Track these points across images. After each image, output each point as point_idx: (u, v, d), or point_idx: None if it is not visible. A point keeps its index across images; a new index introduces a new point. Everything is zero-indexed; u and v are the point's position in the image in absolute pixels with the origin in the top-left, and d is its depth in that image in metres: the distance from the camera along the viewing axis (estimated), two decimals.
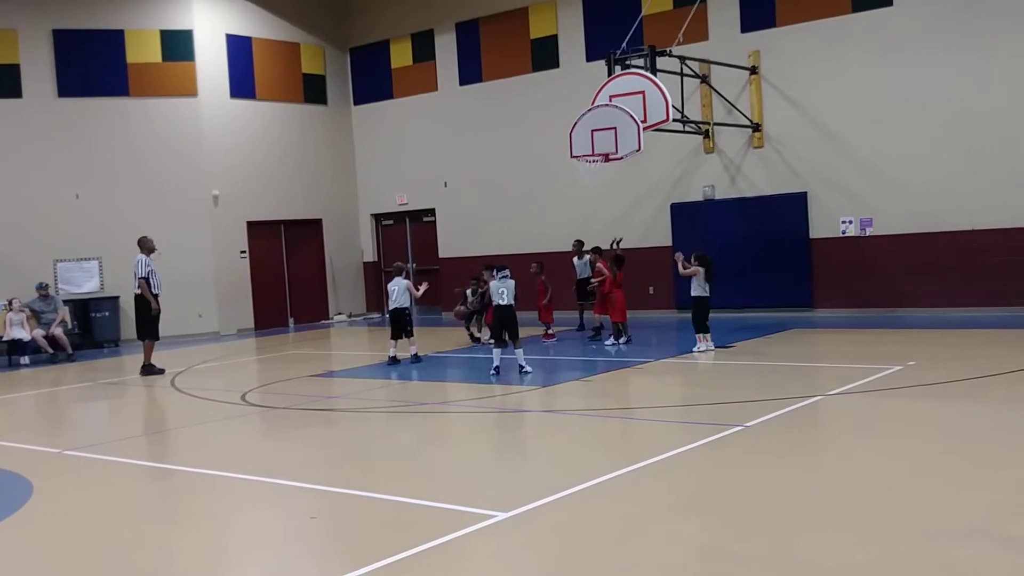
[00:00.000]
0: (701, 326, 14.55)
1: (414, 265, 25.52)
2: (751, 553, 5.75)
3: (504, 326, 13.47)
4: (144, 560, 6.36)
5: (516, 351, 13.39)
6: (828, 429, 9.51)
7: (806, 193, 19.01)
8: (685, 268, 14.64)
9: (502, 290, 13.37)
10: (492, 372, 13.21)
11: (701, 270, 14.51)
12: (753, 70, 19.42)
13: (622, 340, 15.89)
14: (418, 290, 15.88)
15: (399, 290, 15.64)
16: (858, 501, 6.68)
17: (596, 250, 17.28)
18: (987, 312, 17.03)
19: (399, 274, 16.05)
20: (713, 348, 14.48)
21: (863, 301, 18.48)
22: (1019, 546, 5.57)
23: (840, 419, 9.77)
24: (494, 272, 14.22)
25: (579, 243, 18.46)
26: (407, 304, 15.70)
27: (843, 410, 10.09)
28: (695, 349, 14.46)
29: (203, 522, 7.24)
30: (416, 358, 15.38)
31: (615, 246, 16.77)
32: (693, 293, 14.61)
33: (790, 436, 9.00)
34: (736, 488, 7.27)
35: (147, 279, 15.85)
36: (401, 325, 15.59)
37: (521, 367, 13.26)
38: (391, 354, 15.40)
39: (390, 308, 15.93)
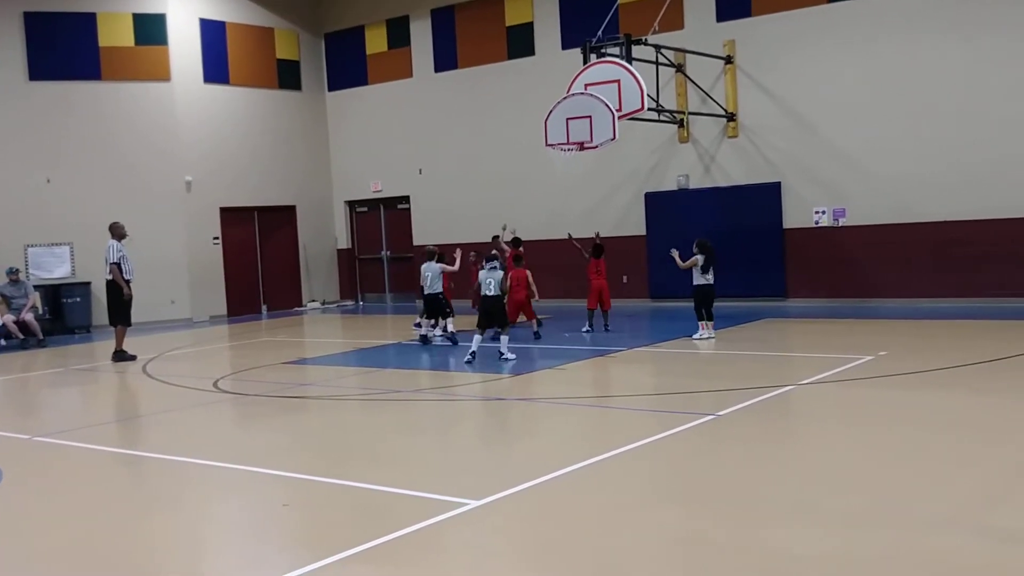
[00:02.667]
0: (701, 313, 14.66)
1: (388, 252, 25.46)
2: (724, 541, 5.78)
3: (490, 315, 13.55)
4: (115, 547, 6.32)
5: (501, 338, 13.44)
6: (800, 418, 9.58)
7: (780, 183, 19.10)
8: (683, 262, 14.73)
9: (489, 280, 13.53)
10: (467, 359, 13.23)
11: (700, 258, 14.62)
12: (728, 59, 19.46)
13: (584, 328, 15.99)
14: (454, 263, 15.58)
15: (432, 275, 15.43)
16: (831, 490, 6.73)
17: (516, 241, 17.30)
18: (959, 303, 17.19)
19: (431, 258, 15.66)
20: (713, 336, 14.53)
21: (836, 291, 18.60)
22: (992, 536, 5.62)
23: (812, 408, 9.84)
24: (483, 262, 14.37)
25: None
26: (440, 288, 15.50)
27: (815, 399, 10.16)
28: (695, 336, 14.54)
29: (175, 509, 7.19)
30: (452, 338, 15.42)
31: (596, 236, 17.01)
32: (695, 282, 14.71)
33: (762, 425, 9.05)
34: (708, 477, 7.31)
35: (119, 265, 15.72)
36: (438, 309, 15.57)
37: (501, 353, 13.27)
38: (423, 332, 15.77)
39: (424, 293, 15.67)
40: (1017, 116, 16.74)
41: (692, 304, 14.73)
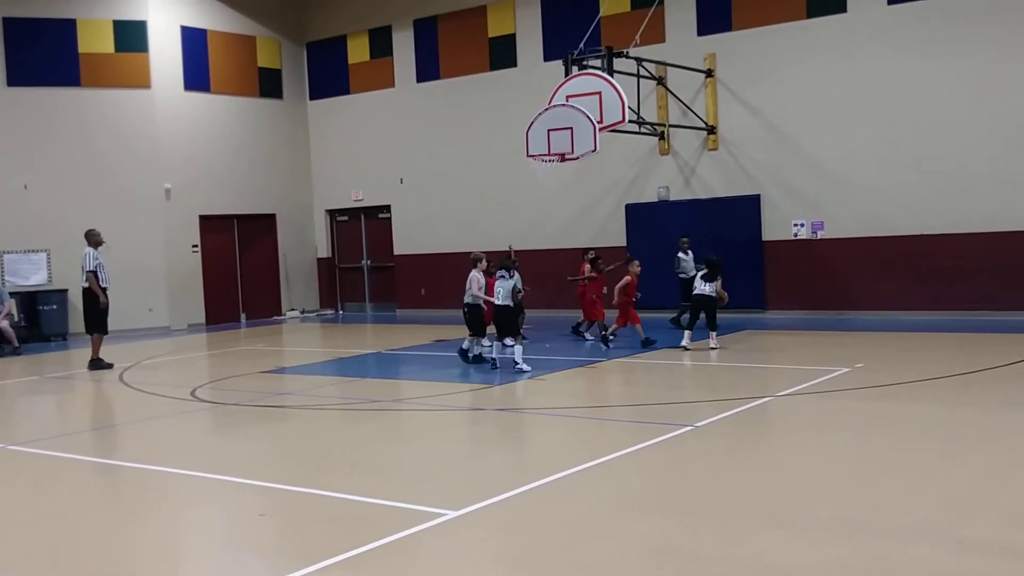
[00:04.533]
0: (694, 323, 14.97)
1: (369, 261, 25.42)
2: (703, 552, 5.80)
3: (503, 325, 13.66)
4: (90, 557, 6.28)
5: (516, 348, 13.41)
6: (777, 429, 9.62)
7: (759, 196, 19.21)
8: (723, 295, 14.94)
9: (499, 290, 13.59)
10: (491, 367, 13.54)
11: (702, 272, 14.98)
12: (709, 73, 19.58)
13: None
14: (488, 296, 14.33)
15: (474, 286, 14.26)
16: (807, 501, 6.76)
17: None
18: (936, 315, 17.32)
19: (474, 266, 14.44)
20: (710, 346, 14.65)
21: (814, 303, 18.71)
22: (965, 546, 5.67)
23: (789, 420, 9.88)
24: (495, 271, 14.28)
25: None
26: (477, 301, 14.28)
27: (792, 411, 10.20)
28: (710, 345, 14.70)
29: (150, 519, 7.15)
30: (476, 357, 14.28)
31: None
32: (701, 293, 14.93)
33: (739, 436, 9.09)
34: (686, 488, 7.33)
35: (95, 272, 15.63)
36: (472, 323, 14.35)
37: (515, 363, 13.23)
38: (464, 347, 14.52)
39: (465, 302, 14.43)
40: (991, 131, 16.91)
41: (676, 314, 14.87)
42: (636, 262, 15.63)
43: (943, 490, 6.87)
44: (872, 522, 6.17)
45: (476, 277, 14.16)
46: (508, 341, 13.87)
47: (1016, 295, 16.82)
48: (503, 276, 13.66)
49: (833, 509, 6.51)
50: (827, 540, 5.86)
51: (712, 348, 14.47)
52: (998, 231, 16.94)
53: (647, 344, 14.97)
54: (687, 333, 14.84)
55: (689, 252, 17.60)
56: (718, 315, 14.93)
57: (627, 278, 15.31)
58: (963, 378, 11.32)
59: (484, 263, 14.30)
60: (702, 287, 14.88)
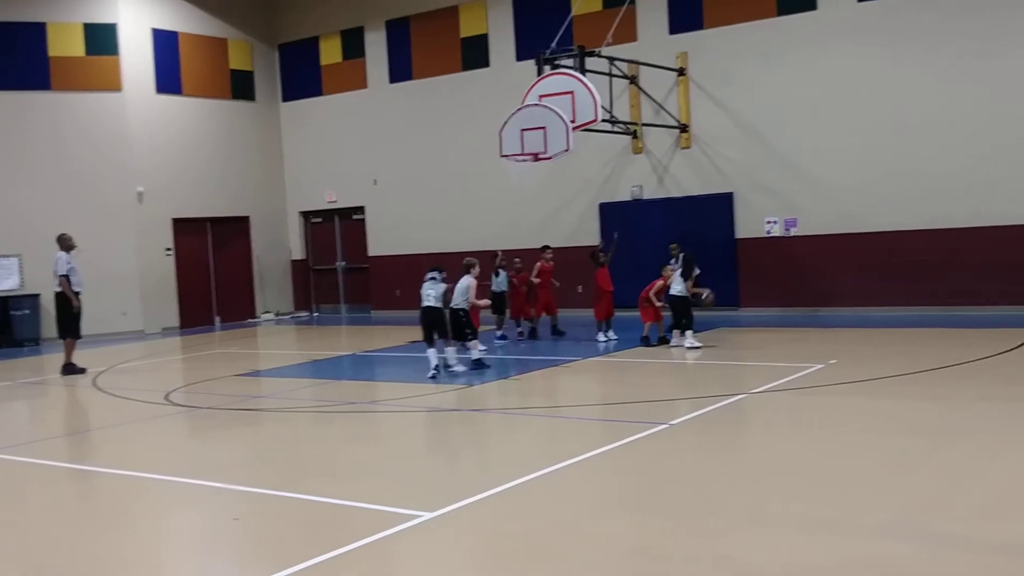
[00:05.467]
0: (680, 322, 14.83)
1: (343, 263, 25.34)
2: (677, 551, 5.83)
3: (431, 327, 13.31)
4: (63, 564, 6.23)
5: (446, 350, 13.33)
6: (751, 427, 9.67)
7: (732, 194, 19.30)
8: (703, 295, 14.96)
9: (429, 292, 13.27)
10: (430, 375, 12.97)
11: (676, 273, 14.94)
12: (681, 71, 19.65)
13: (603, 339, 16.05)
14: (480, 300, 14.15)
15: (459, 290, 13.66)
16: (781, 498, 6.80)
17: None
18: (908, 311, 17.46)
19: (467, 271, 13.95)
20: (685, 345, 14.58)
21: (788, 300, 18.82)
22: (935, 541, 5.72)
23: (763, 417, 9.94)
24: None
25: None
26: (464, 305, 13.61)
27: (766, 408, 10.26)
28: (674, 344, 14.75)
29: (123, 524, 7.11)
30: (477, 363, 13.51)
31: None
32: (672, 292, 14.91)
33: (714, 434, 9.13)
34: (660, 486, 7.36)
35: (67, 277, 15.51)
36: (455, 328, 13.61)
37: (448, 366, 13.19)
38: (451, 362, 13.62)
39: (452, 307, 13.70)
40: (963, 128, 17.06)
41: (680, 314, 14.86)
42: (669, 266, 15.56)
43: (916, 485, 6.93)
44: (846, 519, 6.22)
45: (470, 283, 13.79)
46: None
47: (987, 291, 16.98)
48: (433, 279, 13.36)
49: (807, 506, 6.55)
50: (801, 538, 5.91)
51: (689, 348, 14.44)
52: (970, 227, 17.10)
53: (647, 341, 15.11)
54: (675, 332, 14.83)
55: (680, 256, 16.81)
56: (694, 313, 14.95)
57: (660, 282, 15.26)
58: (935, 373, 11.42)
59: (477, 269, 14.05)
60: (674, 287, 14.88)
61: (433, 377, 12.87)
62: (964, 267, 17.16)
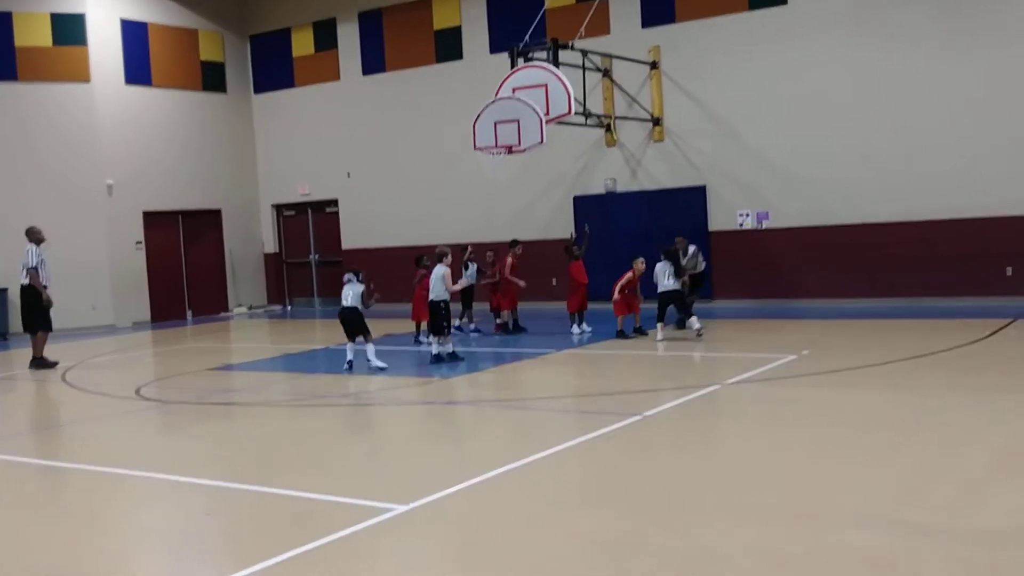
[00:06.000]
0: (663, 315, 14.72)
1: (316, 256, 25.23)
2: (651, 541, 5.83)
3: (348, 326, 13.52)
4: (32, 561, 6.16)
5: (367, 346, 13.42)
6: (724, 418, 9.72)
7: (705, 187, 19.36)
8: (685, 282, 14.90)
9: (348, 293, 13.55)
10: (344, 368, 13.33)
11: (663, 267, 14.73)
12: (653, 65, 19.67)
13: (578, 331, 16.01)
14: (455, 283, 14.08)
15: (434, 281, 13.62)
16: (755, 488, 6.83)
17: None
18: (879, 303, 17.59)
19: (439, 261, 13.75)
20: (699, 327, 14.46)
21: (761, 292, 18.91)
22: (904, 529, 5.76)
23: (736, 408, 9.99)
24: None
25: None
26: (444, 296, 13.60)
27: (739, 399, 10.31)
28: (659, 338, 14.51)
29: (94, 521, 7.04)
30: (451, 356, 13.53)
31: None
32: (660, 289, 14.72)
33: (687, 425, 9.17)
34: (634, 477, 7.37)
35: (36, 269, 15.33)
36: (434, 320, 13.66)
37: (368, 360, 13.30)
38: (434, 351, 13.68)
39: (430, 299, 13.69)
40: (933, 121, 17.20)
41: (665, 305, 14.74)
42: (641, 259, 15.42)
43: (887, 475, 6.98)
44: (817, 509, 6.25)
45: (445, 271, 13.63)
46: (361, 342, 13.56)
47: (956, 282, 17.15)
48: (350, 281, 13.63)
49: (779, 497, 6.58)
50: (773, 528, 5.93)
51: (698, 332, 14.33)
52: (939, 219, 17.25)
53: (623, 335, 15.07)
54: (659, 326, 14.67)
55: (690, 248, 16.55)
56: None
57: (629, 274, 15.19)
58: (906, 363, 11.51)
59: (449, 258, 13.99)
60: (666, 283, 14.70)
61: (347, 370, 13.25)
62: (934, 259, 17.31)
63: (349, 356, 13.48)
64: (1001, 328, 13.87)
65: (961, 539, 5.56)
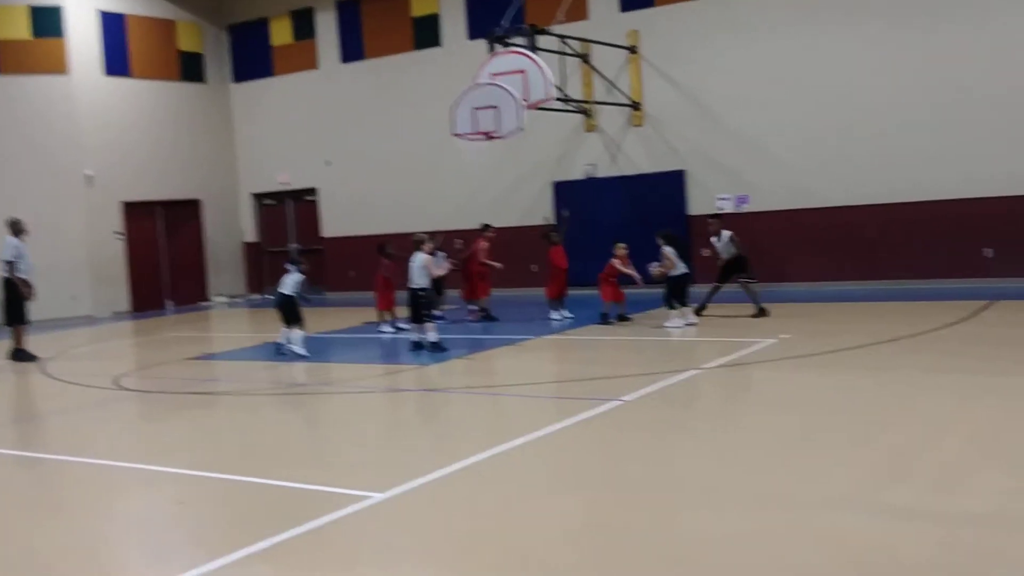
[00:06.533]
0: (671, 302, 14.38)
1: (296, 245, 25.12)
2: (630, 527, 5.82)
3: (281, 310, 13.96)
4: (8, 552, 6.12)
5: (292, 332, 13.71)
6: (704, 402, 9.73)
7: (684, 171, 19.37)
8: (662, 269, 14.46)
9: (286, 280, 13.95)
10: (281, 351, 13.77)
11: (670, 250, 14.37)
12: (632, 49, 19.64)
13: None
14: (437, 268, 14.00)
15: (415, 269, 13.51)
16: (733, 472, 6.84)
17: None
18: (859, 285, 17.66)
19: (418, 248, 13.66)
20: (682, 325, 14.13)
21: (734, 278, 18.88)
22: (886, 514, 5.75)
23: (716, 392, 10.01)
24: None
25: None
26: (424, 284, 13.48)
27: (719, 383, 10.33)
28: (668, 324, 14.22)
29: (68, 511, 7.00)
30: (434, 346, 13.32)
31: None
32: (670, 273, 14.41)
33: (667, 409, 9.17)
34: (615, 462, 7.37)
35: (12, 262, 15.20)
36: (414, 308, 13.55)
37: (292, 349, 13.62)
38: (414, 339, 13.67)
39: (409, 287, 13.60)
40: (912, 102, 17.24)
41: (675, 293, 14.40)
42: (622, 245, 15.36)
43: (868, 458, 6.98)
44: (799, 492, 6.25)
45: (424, 259, 13.53)
46: (285, 331, 13.85)
47: (937, 264, 17.22)
48: (288, 270, 14.05)
49: (761, 481, 6.59)
50: (755, 511, 5.92)
51: (680, 327, 14.17)
52: (919, 201, 17.31)
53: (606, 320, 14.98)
54: (686, 310, 14.36)
55: (722, 233, 15.69)
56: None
57: (616, 261, 15.10)
58: (885, 346, 11.54)
59: (429, 244, 13.92)
60: (679, 266, 14.38)
61: (278, 352, 13.74)
62: (914, 241, 17.38)
63: (280, 339, 13.88)
64: (980, 310, 13.94)
65: (942, 522, 5.57)
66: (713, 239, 15.55)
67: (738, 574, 5.01)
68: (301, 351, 13.57)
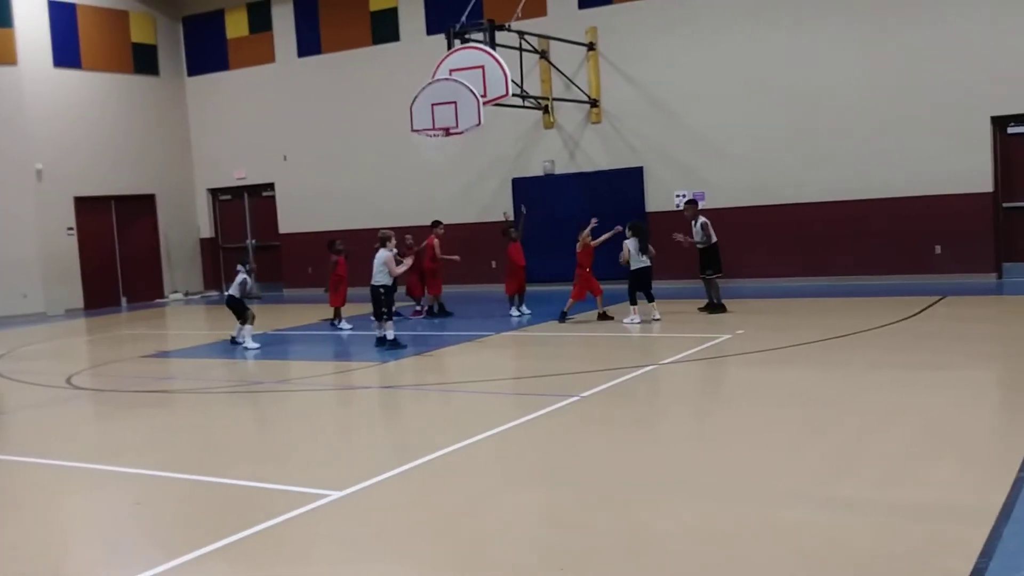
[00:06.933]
0: (635, 298, 14.40)
1: (254, 241, 24.93)
2: (588, 522, 5.86)
3: (234, 309, 14.52)
4: None
5: (244, 328, 14.33)
6: (660, 397, 9.81)
7: (642, 168, 19.46)
8: (626, 258, 14.51)
9: (234, 281, 14.55)
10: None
11: (632, 242, 14.42)
12: (591, 46, 19.70)
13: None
14: (398, 265, 13.81)
15: (377, 266, 13.47)
16: (688, 467, 6.91)
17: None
18: (812, 282, 17.86)
19: (383, 245, 13.59)
20: (639, 321, 14.19)
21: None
22: (838, 506, 5.85)
23: (671, 388, 10.09)
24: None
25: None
26: (385, 281, 13.44)
27: (674, 379, 10.41)
28: (626, 321, 14.24)
29: (20, 512, 6.90)
30: (392, 343, 13.26)
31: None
32: (632, 267, 14.46)
33: (624, 405, 9.23)
34: (572, 458, 7.41)
35: None
36: (375, 305, 13.57)
37: (240, 341, 14.31)
38: (378, 335, 13.61)
39: (372, 284, 13.54)
40: (863, 101, 17.44)
41: (638, 287, 14.43)
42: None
43: (819, 452, 7.09)
44: (751, 487, 6.33)
45: (386, 256, 13.42)
46: (241, 330, 14.41)
47: (889, 261, 17.46)
48: (239, 271, 14.59)
49: (714, 475, 6.66)
50: (709, 506, 5.99)
51: (656, 319, 14.23)
52: (872, 199, 17.54)
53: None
54: (633, 308, 14.42)
55: (698, 218, 15.50)
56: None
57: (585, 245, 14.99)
58: (836, 341, 11.69)
59: (393, 241, 13.81)
60: (638, 260, 14.46)
61: (232, 342, 14.46)
62: (866, 238, 17.61)
63: (233, 334, 14.59)
64: (930, 305, 14.16)
65: (891, 514, 5.66)
66: (693, 225, 15.43)
67: (691, 568, 5.06)
68: (250, 344, 14.06)
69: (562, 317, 14.91)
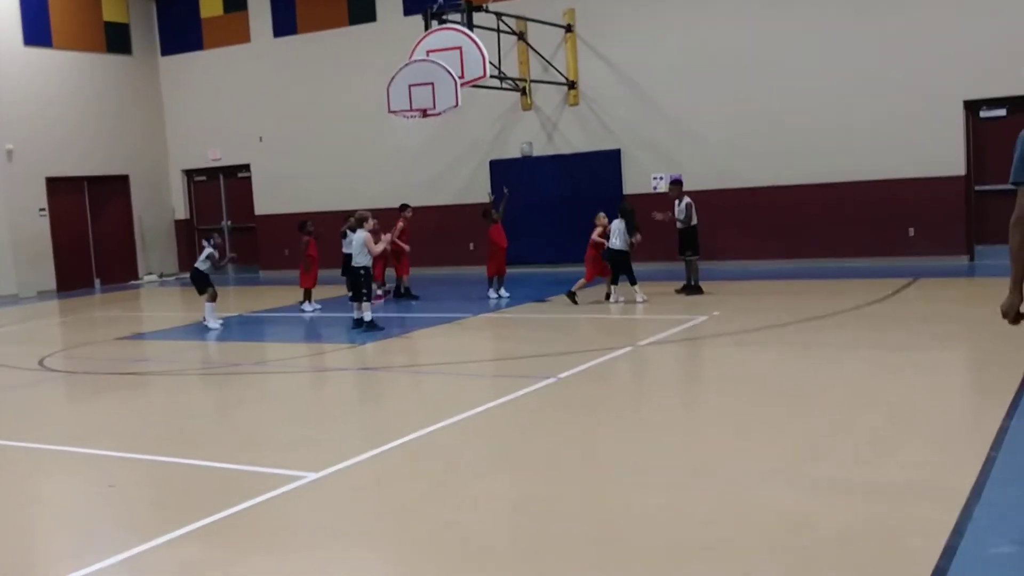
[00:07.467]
0: (626, 277, 14.41)
1: (230, 223, 24.79)
2: (563, 504, 5.88)
3: (198, 285, 14.66)
4: None
5: (207, 305, 14.44)
6: (637, 379, 9.84)
7: (620, 150, 19.47)
8: (600, 240, 14.61)
9: (200, 256, 14.76)
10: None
11: (619, 223, 14.42)
12: (568, 28, 19.65)
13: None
14: (377, 244, 13.61)
15: (355, 247, 13.44)
16: (663, 448, 6.94)
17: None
18: (787, 264, 17.95)
19: (360, 225, 13.54)
20: (621, 301, 14.32)
21: (674, 254, 19.03)
22: (811, 486, 5.90)
23: (649, 369, 10.13)
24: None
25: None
26: (366, 263, 13.39)
27: (652, 360, 10.46)
28: (638, 299, 14.23)
29: None
30: (369, 324, 13.16)
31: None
32: (612, 247, 14.47)
33: (600, 387, 9.26)
34: (547, 440, 7.43)
35: None
36: (354, 287, 13.50)
37: (203, 320, 14.47)
38: (356, 316, 13.47)
39: (352, 265, 13.54)
40: (838, 85, 17.49)
41: (623, 269, 14.44)
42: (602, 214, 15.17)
43: (794, 433, 7.13)
44: (727, 467, 6.37)
45: (364, 237, 13.34)
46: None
47: (862, 242, 17.57)
48: (205, 245, 14.83)
49: (692, 456, 6.70)
50: (684, 486, 6.03)
51: (641, 302, 14.19)
52: (844, 182, 17.62)
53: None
54: (613, 288, 14.58)
55: (683, 198, 15.75)
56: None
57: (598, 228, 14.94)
58: (811, 323, 11.77)
59: (371, 222, 13.76)
60: (613, 241, 14.48)
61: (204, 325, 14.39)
62: (840, 220, 17.70)
63: (202, 315, 14.64)
64: (903, 287, 14.27)
65: (863, 494, 5.71)
66: (676, 204, 15.53)
67: (666, 549, 5.09)
68: (212, 323, 14.25)
69: (571, 296, 14.74)
